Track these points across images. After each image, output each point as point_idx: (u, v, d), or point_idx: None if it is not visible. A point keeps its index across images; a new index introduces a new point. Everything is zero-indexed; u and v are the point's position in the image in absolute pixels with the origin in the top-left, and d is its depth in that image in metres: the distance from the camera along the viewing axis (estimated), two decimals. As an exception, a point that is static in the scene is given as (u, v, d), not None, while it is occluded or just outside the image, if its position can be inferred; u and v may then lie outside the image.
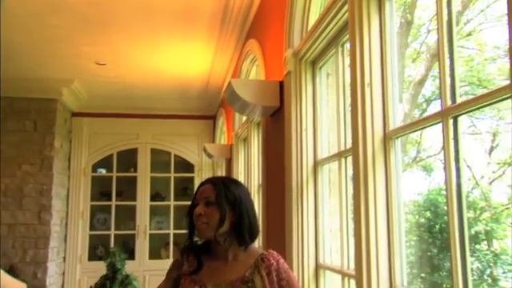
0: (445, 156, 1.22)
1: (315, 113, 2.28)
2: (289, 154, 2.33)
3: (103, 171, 6.83)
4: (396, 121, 1.50)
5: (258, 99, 2.52)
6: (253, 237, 1.53)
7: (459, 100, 1.19)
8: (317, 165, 2.25)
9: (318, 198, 2.24)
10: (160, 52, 4.72)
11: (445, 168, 1.23)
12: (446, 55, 1.22)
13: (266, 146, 2.99)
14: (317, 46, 2.13)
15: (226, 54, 4.62)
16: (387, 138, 1.49)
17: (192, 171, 6.96)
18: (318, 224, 2.26)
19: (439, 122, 1.24)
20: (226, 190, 1.49)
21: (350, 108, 1.84)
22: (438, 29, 1.27)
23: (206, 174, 6.89)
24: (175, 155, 6.89)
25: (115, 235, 6.64)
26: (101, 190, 6.76)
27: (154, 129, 6.83)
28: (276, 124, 2.70)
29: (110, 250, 4.11)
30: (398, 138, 1.49)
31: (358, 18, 1.55)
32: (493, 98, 1.05)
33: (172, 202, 6.82)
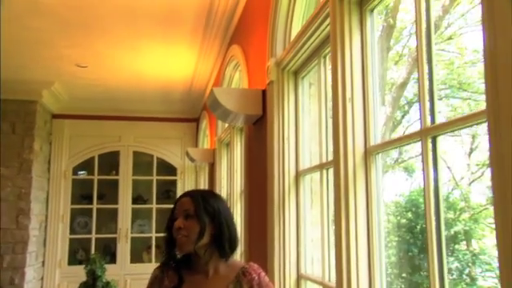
0: (423, 162, 1.24)
1: (297, 122, 2.28)
2: (271, 164, 2.33)
3: (84, 174, 6.74)
4: (377, 136, 1.51)
5: (240, 108, 2.51)
6: (233, 248, 1.53)
7: (438, 120, 1.20)
8: (299, 175, 2.25)
9: (299, 207, 2.24)
10: (142, 55, 4.67)
11: (423, 171, 1.24)
12: (425, 61, 1.23)
13: (249, 153, 2.98)
14: (299, 56, 2.13)
15: (210, 57, 4.60)
16: (368, 154, 1.50)
17: (175, 174, 6.92)
18: (300, 234, 2.26)
19: (418, 141, 1.25)
20: (205, 202, 1.49)
21: (331, 119, 1.84)
22: (416, 36, 1.28)
23: (189, 177, 6.86)
24: (158, 158, 6.84)
25: (96, 239, 6.55)
26: (82, 193, 6.67)
27: (136, 131, 6.76)
28: (258, 132, 2.69)
29: (90, 257, 4.04)
30: (378, 153, 1.50)
31: (339, 33, 1.56)
32: (470, 121, 1.06)
33: (154, 205, 6.77)
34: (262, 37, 2.62)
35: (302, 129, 2.28)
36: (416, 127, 1.27)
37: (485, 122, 0.91)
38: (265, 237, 2.44)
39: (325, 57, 1.98)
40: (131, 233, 6.67)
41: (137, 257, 6.73)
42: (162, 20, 3.83)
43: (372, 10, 1.55)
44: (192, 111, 6.87)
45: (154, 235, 6.74)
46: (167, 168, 6.91)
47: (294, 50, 2.10)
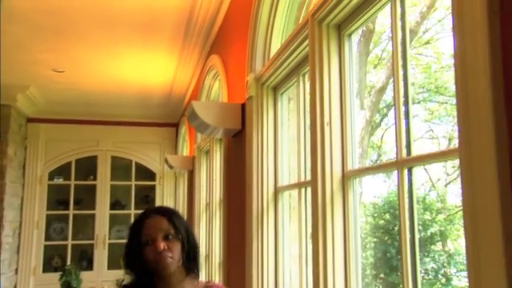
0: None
1: (276, 138, 2.29)
2: (250, 179, 2.32)
3: (60, 179, 6.61)
4: (354, 161, 1.52)
5: (219, 122, 2.50)
6: (199, 267, 1.54)
7: (414, 153, 1.22)
8: (277, 191, 2.25)
9: (278, 223, 2.25)
10: (121, 61, 4.61)
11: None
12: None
13: (228, 164, 2.97)
14: (278, 73, 2.13)
15: (189, 65, 4.57)
16: (346, 178, 1.51)
17: (154, 179, 6.85)
18: (278, 248, 2.26)
19: (395, 170, 1.27)
20: (179, 221, 1.48)
21: (310, 141, 1.85)
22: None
23: (168, 183, 6.80)
24: (136, 163, 6.76)
25: (73, 245, 6.44)
26: (57, 199, 6.54)
27: (114, 136, 6.67)
28: (238, 145, 2.68)
29: (65, 268, 3.96)
30: (355, 178, 1.51)
31: (318, 57, 1.56)
32: (444, 157, 1.08)
33: (133, 211, 6.68)
34: (242, 49, 2.62)
35: (281, 144, 2.28)
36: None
37: (457, 158, 0.93)
38: (243, 249, 2.43)
39: (304, 75, 1.99)
40: (109, 239, 6.58)
41: (114, 263, 6.62)
42: (140, 27, 3.79)
43: (350, 35, 1.56)
44: (171, 116, 6.82)
45: (132, 241, 6.65)
46: (146, 173, 6.83)
47: (273, 67, 2.10)
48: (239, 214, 2.60)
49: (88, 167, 6.63)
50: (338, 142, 1.53)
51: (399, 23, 1.28)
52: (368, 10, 1.40)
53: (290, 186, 2.13)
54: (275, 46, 2.23)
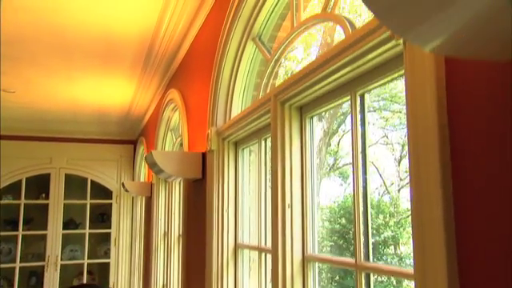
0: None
1: (237, 192, 2.28)
2: (210, 233, 2.30)
3: (9, 198, 6.30)
4: (314, 244, 1.53)
5: (179, 171, 2.46)
6: None
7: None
8: (237, 247, 2.24)
9: (237, 279, 2.24)
10: (77, 84, 4.46)
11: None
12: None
13: (188, 209, 2.93)
14: (240, 134, 2.12)
15: (149, 91, 4.48)
16: (306, 261, 1.52)
17: (110, 197, 6.66)
18: (238, 303, 2.26)
19: (354, 271, 1.29)
20: None
21: (271, 216, 1.85)
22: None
23: (126, 202, 6.63)
24: (92, 181, 6.54)
25: (21, 267, 6.15)
26: (5, 218, 6.23)
27: (69, 153, 6.43)
28: (198, 191, 2.65)
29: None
30: (315, 262, 1.52)
31: (280, 138, 1.57)
32: (400, 276, 1.11)
33: (87, 230, 6.47)
34: (203, 95, 2.59)
35: (242, 198, 2.28)
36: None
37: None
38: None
39: (265, 140, 1.99)
40: (61, 259, 6.33)
41: (67, 285, 6.38)
42: (98, 55, 3.68)
43: (311, 117, 1.57)
44: (129, 133, 6.66)
45: (86, 261, 6.45)
46: (102, 191, 6.63)
47: (234, 127, 2.09)
48: (199, 263, 2.57)
49: (40, 185, 6.36)
50: (298, 224, 1.54)
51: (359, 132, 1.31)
52: (330, 102, 1.42)
53: (251, 247, 2.12)
54: (236, 104, 2.23)
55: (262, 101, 1.73)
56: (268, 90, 1.98)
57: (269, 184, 2.09)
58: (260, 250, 1.96)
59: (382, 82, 1.17)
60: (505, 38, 0.62)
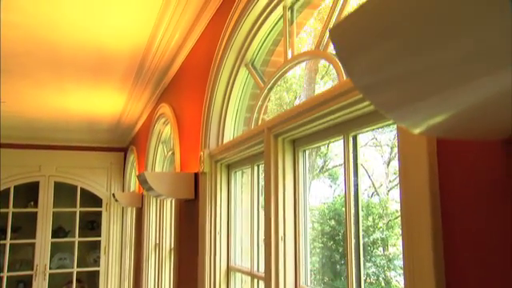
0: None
1: (229, 214, 2.29)
2: (202, 254, 2.32)
3: (-3, 207, 6.23)
4: (307, 277, 1.56)
5: (171, 192, 2.47)
6: None
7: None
8: (230, 269, 2.26)
9: (230, 301, 2.25)
10: (68, 95, 4.44)
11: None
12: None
13: (180, 226, 2.94)
14: (232, 159, 2.14)
15: (140, 102, 4.48)
16: (298, 293, 1.55)
17: (100, 205, 6.61)
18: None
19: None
20: None
21: (264, 248, 1.87)
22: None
23: (116, 210, 6.60)
24: (82, 188, 6.50)
25: (9, 277, 6.08)
26: (-7, 227, 6.17)
27: (58, 160, 6.39)
28: (191, 210, 2.66)
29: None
30: (308, 294, 1.55)
31: (273, 169, 1.59)
32: None
33: (77, 238, 6.42)
34: (196, 113, 2.60)
35: (234, 220, 2.29)
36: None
37: None
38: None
39: (258, 165, 2.01)
40: (50, 268, 6.28)
41: (56, 293, 6.35)
42: (90, 68, 3.67)
43: (304, 151, 1.60)
44: (120, 141, 6.63)
45: (75, 270, 6.41)
46: (92, 199, 6.59)
47: (226, 152, 2.11)
48: (191, 283, 2.58)
49: (28, 193, 6.30)
50: (291, 256, 1.56)
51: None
52: (323, 140, 1.44)
53: (243, 272, 2.14)
54: (229, 127, 2.24)
55: (255, 132, 1.75)
56: (262, 113, 2.00)
57: (261, 206, 2.12)
58: (252, 275, 1.98)
59: (376, 126, 1.19)
60: (505, 120, 0.62)
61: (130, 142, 6.17)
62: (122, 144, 6.70)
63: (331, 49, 1.43)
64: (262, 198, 2.12)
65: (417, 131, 0.67)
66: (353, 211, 1.29)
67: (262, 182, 2.07)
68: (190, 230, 2.67)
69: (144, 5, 2.56)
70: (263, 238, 1.82)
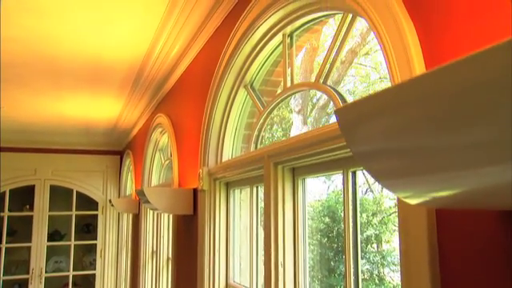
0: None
1: (228, 231, 2.32)
2: (201, 271, 2.34)
3: (-7, 210, 6.22)
4: (306, 302, 1.59)
5: (170, 208, 2.49)
6: None
7: None
8: (228, 286, 2.28)
9: (228, 318, 2.28)
10: (65, 102, 4.44)
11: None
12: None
13: (177, 241, 2.96)
14: (231, 178, 2.16)
15: (136, 109, 4.48)
16: (298, 319, 1.58)
17: (96, 209, 6.62)
18: None
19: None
20: None
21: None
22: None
23: (112, 213, 6.61)
24: (77, 192, 6.50)
25: (4, 281, 6.08)
26: (-12, 231, 6.15)
27: (54, 164, 6.38)
28: (189, 226, 2.69)
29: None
30: (306, 319, 1.58)
31: (273, 196, 1.61)
32: None
33: (73, 242, 6.43)
34: (195, 129, 2.62)
35: (233, 237, 2.32)
36: None
37: None
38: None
39: (257, 187, 2.04)
40: (46, 271, 6.29)
41: (52, 297, 6.36)
42: (87, 77, 3.67)
43: (304, 179, 1.62)
44: (116, 144, 6.63)
45: (71, 273, 6.41)
46: (88, 202, 6.59)
47: (225, 171, 2.13)
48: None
49: (24, 197, 6.29)
50: (290, 281, 1.59)
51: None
52: (323, 172, 1.47)
53: (242, 290, 2.17)
54: (228, 145, 2.26)
55: (255, 157, 1.77)
56: (260, 138, 2.02)
57: (260, 224, 2.14)
58: (251, 294, 2.01)
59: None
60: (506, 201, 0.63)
61: (127, 145, 6.17)
62: (119, 147, 6.69)
63: (331, 81, 1.46)
64: (260, 217, 2.15)
65: (413, 203, 0.69)
66: (351, 207, 1.32)
67: (260, 204, 2.10)
68: (188, 243, 2.69)
69: (144, 17, 2.56)
70: (262, 258, 1.85)
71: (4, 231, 6.09)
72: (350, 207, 1.33)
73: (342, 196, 1.39)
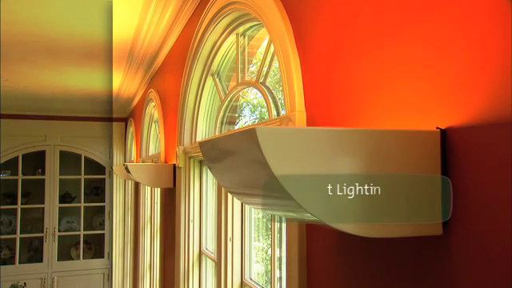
0: None
1: (201, 205, 2.56)
2: (178, 241, 2.61)
3: (7, 174, 6.63)
4: (251, 271, 1.83)
5: (152, 182, 2.74)
6: None
7: None
8: (202, 253, 2.56)
9: (201, 282, 2.56)
10: (65, 74, 4.67)
11: None
12: None
13: (164, 210, 3.23)
14: (202, 157, 2.38)
15: (134, 82, 4.69)
16: (243, 286, 1.83)
17: (103, 173, 6.98)
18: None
19: None
20: None
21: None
22: None
23: (118, 177, 6.95)
24: (85, 157, 6.84)
25: (21, 238, 6.56)
26: (4, 192, 6.58)
27: (62, 131, 6.69)
28: (171, 198, 2.94)
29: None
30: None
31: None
32: None
33: (82, 204, 6.84)
34: (174, 110, 2.82)
35: (206, 210, 2.57)
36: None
37: None
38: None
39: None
40: (59, 230, 6.74)
41: (64, 254, 6.84)
42: (82, 52, 3.88)
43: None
44: (120, 111, 6.87)
45: (82, 232, 6.86)
46: (95, 167, 6.94)
47: (198, 150, 2.35)
48: (172, 263, 2.90)
49: (36, 161, 6.67)
50: (237, 254, 1.83)
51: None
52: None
53: (210, 257, 2.43)
54: (201, 125, 2.47)
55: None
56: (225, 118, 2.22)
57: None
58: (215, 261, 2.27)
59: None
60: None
61: (130, 113, 6.42)
62: (123, 114, 6.95)
63: (269, 82, 1.63)
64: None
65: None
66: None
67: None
68: (170, 213, 2.96)
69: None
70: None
71: (19, 193, 6.51)
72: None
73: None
